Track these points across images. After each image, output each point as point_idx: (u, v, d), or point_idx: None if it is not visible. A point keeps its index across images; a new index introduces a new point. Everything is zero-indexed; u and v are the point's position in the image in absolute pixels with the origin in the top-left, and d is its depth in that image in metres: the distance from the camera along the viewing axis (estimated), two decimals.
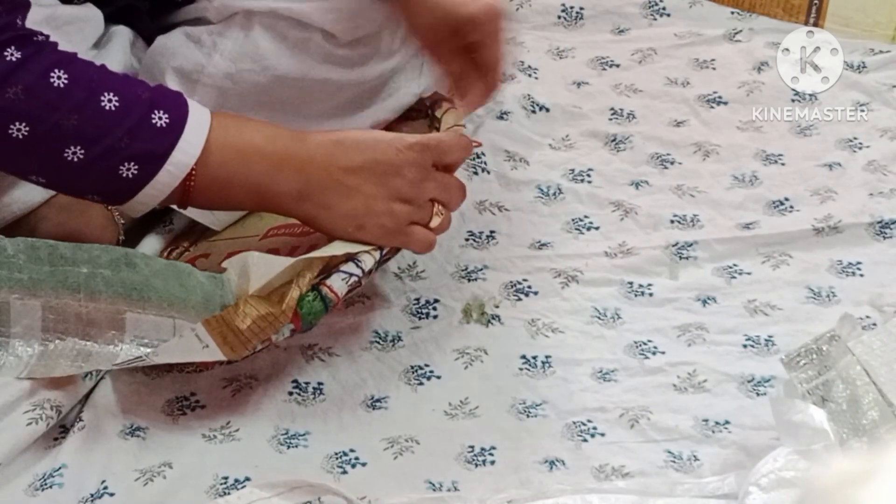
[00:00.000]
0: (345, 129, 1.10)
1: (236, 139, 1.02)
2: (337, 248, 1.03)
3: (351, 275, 1.03)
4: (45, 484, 1.00)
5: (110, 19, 1.22)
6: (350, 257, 1.03)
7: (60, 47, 0.99)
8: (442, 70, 1.19)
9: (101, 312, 1.00)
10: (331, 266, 1.03)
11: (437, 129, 1.16)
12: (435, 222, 1.07)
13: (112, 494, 0.99)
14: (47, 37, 0.98)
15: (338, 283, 1.02)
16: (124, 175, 0.98)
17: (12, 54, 0.94)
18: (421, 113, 1.25)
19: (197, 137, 0.99)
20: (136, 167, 0.98)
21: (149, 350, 1.00)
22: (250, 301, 0.99)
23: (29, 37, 0.96)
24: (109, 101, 0.97)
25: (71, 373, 1.02)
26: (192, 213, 1.11)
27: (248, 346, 1.00)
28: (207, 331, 0.98)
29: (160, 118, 0.98)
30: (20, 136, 0.95)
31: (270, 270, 1.00)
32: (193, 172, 0.99)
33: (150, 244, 1.19)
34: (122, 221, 1.17)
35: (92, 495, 0.99)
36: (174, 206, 1.04)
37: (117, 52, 1.20)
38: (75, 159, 0.97)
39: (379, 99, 1.26)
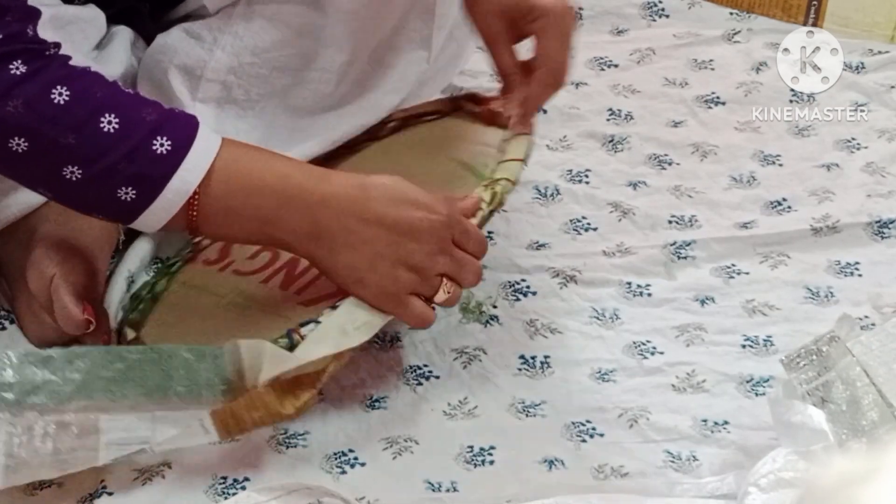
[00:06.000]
0: (375, 174, 1.03)
1: (244, 172, 0.99)
2: (339, 342, 1.00)
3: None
4: (44, 483, 0.99)
5: (112, 20, 1.21)
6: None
7: (63, 49, 0.97)
8: (495, 67, 1.14)
9: (71, 422, 0.96)
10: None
11: (486, 188, 1.09)
12: (440, 298, 1.03)
13: (111, 494, 0.99)
14: (58, 47, 0.97)
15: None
16: (123, 198, 0.97)
17: (17, 67, 0.94)
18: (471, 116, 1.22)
19: (199, 166, 0.97)
20: (134, 192, 0.97)
21: (146, 445, 0.97)
22: (264, 396, 0.97)
23: (39, 51, 0.95)
24: (109, 122, 0.96)
25: (50, 477, 0.98)
26: None
27: (244, 433, 0.99)
28: (213, 421, 0.97)
29: (161, 144, 0.96)
30: (20, 151, 0.95)
31: (283, 365, 0.98)
32: (195, 202, 0.98)
33: (141, 247, 1.19)
34: None
35: (90, 495, 0.99)
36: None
37: (118, 52, 1.20)
38: (73, 178, 0.96)
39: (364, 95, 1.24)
